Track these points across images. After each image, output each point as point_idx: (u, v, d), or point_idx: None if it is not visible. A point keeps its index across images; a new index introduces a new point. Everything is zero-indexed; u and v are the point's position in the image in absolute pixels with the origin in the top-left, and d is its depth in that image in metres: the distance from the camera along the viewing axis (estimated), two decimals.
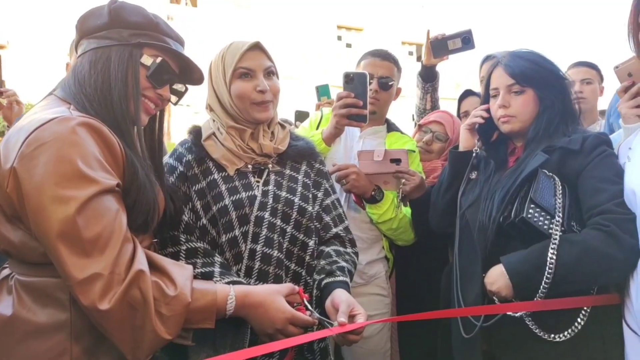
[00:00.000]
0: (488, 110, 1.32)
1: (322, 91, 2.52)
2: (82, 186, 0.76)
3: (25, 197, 0.75)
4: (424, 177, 1.64)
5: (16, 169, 0.76)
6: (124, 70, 0.89)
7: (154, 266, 0.84)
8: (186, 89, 1.07)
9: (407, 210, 1.61)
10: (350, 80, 1.41)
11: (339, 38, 14.57)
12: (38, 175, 0.75)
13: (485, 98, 1.35)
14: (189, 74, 1.02)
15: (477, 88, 1.99)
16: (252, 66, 1.14)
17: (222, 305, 0.89)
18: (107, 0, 0.93)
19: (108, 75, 0.89)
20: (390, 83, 1.61)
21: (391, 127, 1.73)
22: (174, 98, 1.04)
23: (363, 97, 1.40)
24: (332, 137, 1.49)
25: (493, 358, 1.17)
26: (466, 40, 1.80)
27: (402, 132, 1.75)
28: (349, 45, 14.40)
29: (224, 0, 12.87)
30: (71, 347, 0.81)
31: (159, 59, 0.93)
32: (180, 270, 0.87)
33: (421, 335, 1.60)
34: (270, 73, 1.17)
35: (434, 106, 2.02)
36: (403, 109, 2.80)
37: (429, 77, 1.96)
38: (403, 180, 1.52)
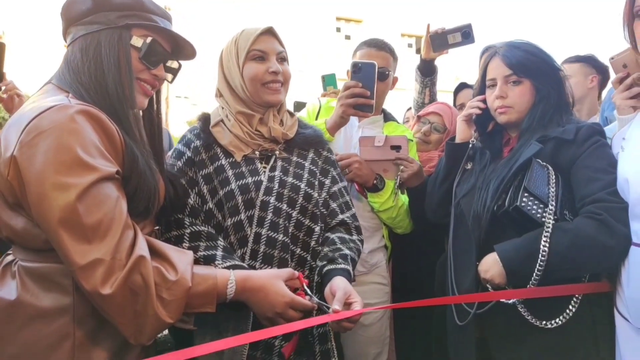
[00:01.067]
0: (484, 101, 1.33)
1: (329, 81, 2.46)
2: (82, 173, 0.77)
3: (26, 184, 0.76)
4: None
5: (16, 157, 0.76)
6: (116, 54, 0.89)
7: (154, 252, 0.85)
8: (180, 66, 1.05)
9: (404, 198, 1.62)
10: (358, 69, 1.41)
11: (338, 30, 14.46)
12: (38, 163, 0.75)
13: (481, 89, 1.36)
14: (181, 49, 1.01)
15: None
16: (265, 49, 1.16)
17: (222, 290, 0.90)
18: None
19: (100, 61, 0.88)
20: (386, 73, 1.61)
21: (388, 117, 1.74)
22: (169, 76, 1.03)
23: (370, 87, 1.39)
24: (336, 127, 1.48)
25: (486, 345, 1.19)
26: (466, 35, 1.79)
27: (398, 122, 1.76)
28: (348, 37, 14.29)
29: None
30: (74, 331, 0.83)
31: (149, 39, 0.92)
32: (180, 256, 0.88)
33: (416, 323, 1.63)
34: (282, 58, 1.19)
35: (432, 100, 2.02)
36: (400, 101, 2.80)
37: (427, 71, 1.96)
38: (402, 168, 1.53)
